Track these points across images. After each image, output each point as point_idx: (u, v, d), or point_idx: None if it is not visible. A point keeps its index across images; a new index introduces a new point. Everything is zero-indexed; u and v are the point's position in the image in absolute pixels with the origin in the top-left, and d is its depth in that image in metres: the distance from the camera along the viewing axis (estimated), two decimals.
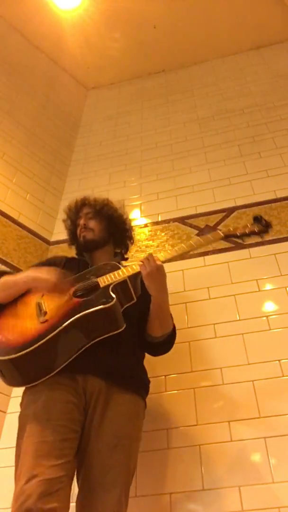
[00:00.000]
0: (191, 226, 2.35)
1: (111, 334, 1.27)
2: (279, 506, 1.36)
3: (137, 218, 2.51)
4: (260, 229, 1.48)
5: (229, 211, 2.36)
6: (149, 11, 3.38)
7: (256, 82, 3.30)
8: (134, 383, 1.33)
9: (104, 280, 1.35)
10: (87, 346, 1.25)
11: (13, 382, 1.23)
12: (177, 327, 1.90)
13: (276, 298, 1.90)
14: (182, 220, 2.40)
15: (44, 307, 1.30)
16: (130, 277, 1.35)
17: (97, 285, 1.35)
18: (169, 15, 3.43)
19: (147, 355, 1.53)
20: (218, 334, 1.85)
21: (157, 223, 2.45)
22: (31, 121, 3.10)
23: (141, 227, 2.44)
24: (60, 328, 1.19)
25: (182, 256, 2.20)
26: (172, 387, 1.73)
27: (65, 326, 1.20)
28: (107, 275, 1.37)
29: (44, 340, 1.17)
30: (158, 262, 1.34)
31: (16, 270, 2.20)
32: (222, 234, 1.48)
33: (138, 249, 2.31)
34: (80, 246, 1.67)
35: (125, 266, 1.41)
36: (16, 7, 3.31)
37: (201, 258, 2.17)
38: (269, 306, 1.88)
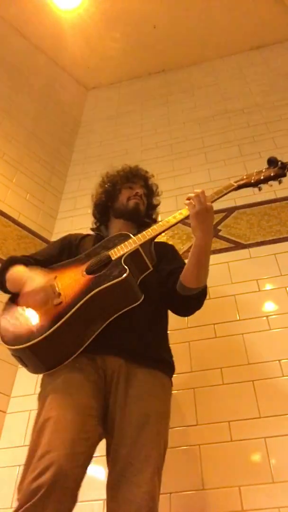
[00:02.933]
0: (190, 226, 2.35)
1: (129, 307, 1.21)
2: (279, 506, 1.36)
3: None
4: (276, 172, 1.33)
5: (229, 211, 2.36)
6: (149, 11, 3.38)
7: (256, 82, 3.30)
8: (154, 359, 1.26)
9: (115, 252, 1.29)
10: (106, 323, 1.19)
11: (36, 369, 1.19)
12: (177, 327, 1.91)
13: (276, 298, 1.90)
14: (182, 220, 2.39)
15: (57, 289, 1.24)
16: (143, 245, 1.28)
17: (109, 258, 1.29)
18: (169, 15, 3.43)
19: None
20: (218, 334, 1.85)
21: (157, 223, 2.44)
22: (31, 121, 3.10)
23: None
24: (75, 308, 1.14)
25: (182, 256, 2.21)
26: (173, 387, 1.73)
27: (80, 306, 1.15)
28: (118, 247, 1.30)
29: (59, 323, 1.12)
30: (209, 203, 1.25)
31: None
32: (234, 184, 1.38)
33: None
34: (125, 211, 1.58)
35: (136, 235, 1.34)
36: (16, 7, 3.31)
37: None
38: (269, 306, 1.89)
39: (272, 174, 1.33)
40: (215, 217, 2.30)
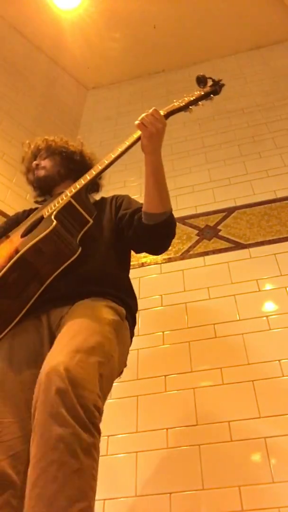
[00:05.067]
0: (191, 226, 2.35)
1: (67, 262, 1.12)
2: (279, 506, 1.36)
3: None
4: (207, 90, 1.28)
5: (229, 211, 2.36)
6: (149, 11, 3.38)
7: (256, 82, 3.30)
8: (102, 293, 1.16)
9: (47, 211, 1.22)
10: (46, 283, 1.11)
11: None
12: (177, 327, 1.91)
13: (276, 298, 1.90)
14: (182, 220, 2.40)
15: None
16: (76, 197, 1.20)
17: (41, 218, 1.22)
18: (169, 15, 3.43)
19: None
20: (218, 334, 1.85)
21: None
22: (31, 121, 3.09)
23: None
24: (4, 271, 1.07)
25: (182, 256, 2.22)
26: (172, 387, 1.73)
27: (7, 269, 1.07)
28: (51, 204, 1.24)
29: None
30: (163, 120, 1.20)
31: None
32: (164, 111, 1.30)
33: None
34: (35, 187, 1.55)
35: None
36: (16, 7, 3.31)
37: (201, 258, 2.17)
38: (269, 306, 1.88)
39: (202, 93, 1.29)
40: (215, 217, 2.35)
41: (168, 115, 1.28)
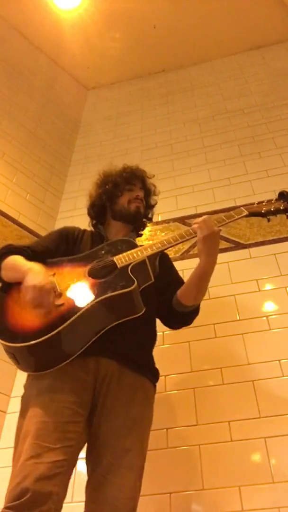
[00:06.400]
0: (191, 226, 2.35)
1: (129, 318, 1.21)
2: (279, 506, 1.36)
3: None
4: (286, 206, 1.38)
5: (229, 211, 2.36)
6: (149, 11, 3.38)
7: (256, 82, 3.30)
8: (144, 366, 1.28)
9: (121, 260, 1.27)
10: (105, 329, 1.18)
11: (27, 369, 1.17)
12: None
13: (276, 298, 1.90)
14: (182, 220, 2.40)
15: (58, 288, 1.20)
16: (150, 257, 1.28)
17: (114, 264, 1.27)
18: (169, 15, 3.43)
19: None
20: (218, 334, 1.85)
21: (157, 223, 2.44)
22: (31, 121, 3.09)
23: None
24: (80, 313, 1.12)
25: (182, 256, 2.22)
26: (172, 387, 1.73)
27: (84, 311, 1.13)
28: (125, 254, 1.29)
29: (63, 325, 1.09)
30: (216, 228, 1.28)
31: None
32: (246, 212, 1.38)
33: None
34: (126, 214, 1.56)
35: (141, 245, 1.34)
36: (16, 7, 3.31)
37: None
38: (269, 306, 1.89)
39: (282, 207, 1.38)
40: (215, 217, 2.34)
41: (251, 215, 1.40)
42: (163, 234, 2.38)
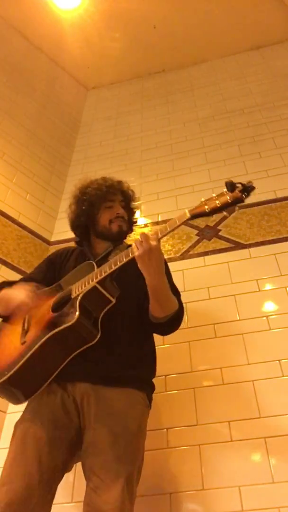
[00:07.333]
0: (191, 226, 2.35)
1: (88, 345, 1.23)
2: (279, 506, 1.36)
3: (137, 218, 2.52)
4: (236, 197, 1.13)
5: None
6: (149, 11, 3.38)
7: (256, 82, 3.30)
8: (127, 379, 1.28)
9: (75, 289, 1.28)
10: (69, 358, 1.22)
11: (15, 401, 1.27)
12: None
13: (276, 298, 1.90)
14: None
15: (26, 325, 1.30)
16: (101, 281, 1.25)
17: (69, 295, 1.29)
18: (169, 15, 3.43)
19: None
20: (218, 334, 1.85)
21: (157, 223, 2.44)
22: (31, 121, 3.10)
23: (141, 227, 2.44)
24: (32, 351, 1.19)
25: (182, 256, 2.22)
26: (172, 387, 1.73)
27: (36, 348, 1.19)
28: (80, 282, 1.29)
29: (19, 364, 1.17)
30: (153, 242, 1.16)
31: (16, 270, 2.21)
32: (188, 215, 1.18)
33: None
34: (108, 234, 1.52)
35: (98, 269, 1.30)
36: (16, 7, 3.31)
37: (201, 258, 2.17)
38: (269, 306, 1.88)
39: (230, 200, 1.14)
40: (215, 217, 2.34)
41: (193, 217, 1.19)
42: None
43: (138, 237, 1.19)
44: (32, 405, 1.23)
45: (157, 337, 1.89)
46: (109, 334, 1.27)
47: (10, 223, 2.39)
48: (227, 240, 2.22)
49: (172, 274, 2.15)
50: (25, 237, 2.41)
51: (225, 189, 1.15)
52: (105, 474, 1.11)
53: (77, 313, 1.19)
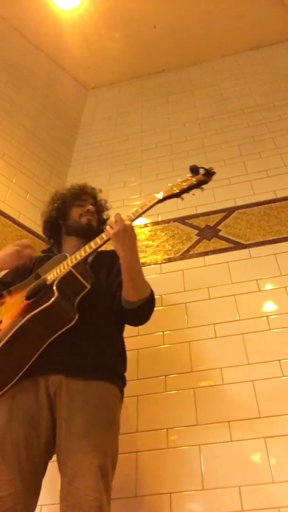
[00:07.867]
0: (191, 226, 2.35)
1: (65, 328, 1.24)
2: (279, 506, 1.36)
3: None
4: (200, 179, 1.33)
5: (229, 211, 2.36)
6: (149, 11, 3.38)
7: (256, 82, 3.30)
8: (100, 371, 1.28)
9: (50, 276, 1.32)
10: (44, 345, 1.23)
11: None
12: (177, 327, 1.91)
13: (276, 298, 1.90)
14: (182, 220, 2.40)
15: (0, 316, 1.32)
16: (76, 265, 1.31)
17: (45, 282, 1.32)
18: (169, 15, 3.43)
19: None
20: (218, 334, 1.85)
21: (157, 223, 2.45)
22: (31, 121, 3.09)
23: (141, 227, 2.44)
24: (7, 337, 1.20)
25: (182, 256, 2.22)
26: (172, 387, 1.73)
27: (13, 334, 1.20)
28: (54, 270, 1.34)
29: None
30: (127, 222, 1.28)
31: None
32: (158, 197, 1.35)
33: (138, 250, 2.31)
34: (78, 228, 1.61)
35: (72, 255, 1.36)
36: (16, 7, 3.31)
37: (201, 258, 2.17)
38: (269, 306, 1.89)
39: (194, 182, 1.33)
40: (215, 217, 2.35)
41: (164, 199, 1.36)
42: (163, 234, 2.38)
43: (111, 220, 1.30)
44: (4, 407, 1.21)
45: (157, 337, 1.90)
46: (82, 326, 1.27)
47: (10, 223, 2.39)
48: (227, 240, 2.22)
49: (172, 274, 2.16)
50: (25, 237, 2.41)
51: (189, 174, 1.33)
52: (78, 465, 1.10)
53: (56, 293, 1.22)
